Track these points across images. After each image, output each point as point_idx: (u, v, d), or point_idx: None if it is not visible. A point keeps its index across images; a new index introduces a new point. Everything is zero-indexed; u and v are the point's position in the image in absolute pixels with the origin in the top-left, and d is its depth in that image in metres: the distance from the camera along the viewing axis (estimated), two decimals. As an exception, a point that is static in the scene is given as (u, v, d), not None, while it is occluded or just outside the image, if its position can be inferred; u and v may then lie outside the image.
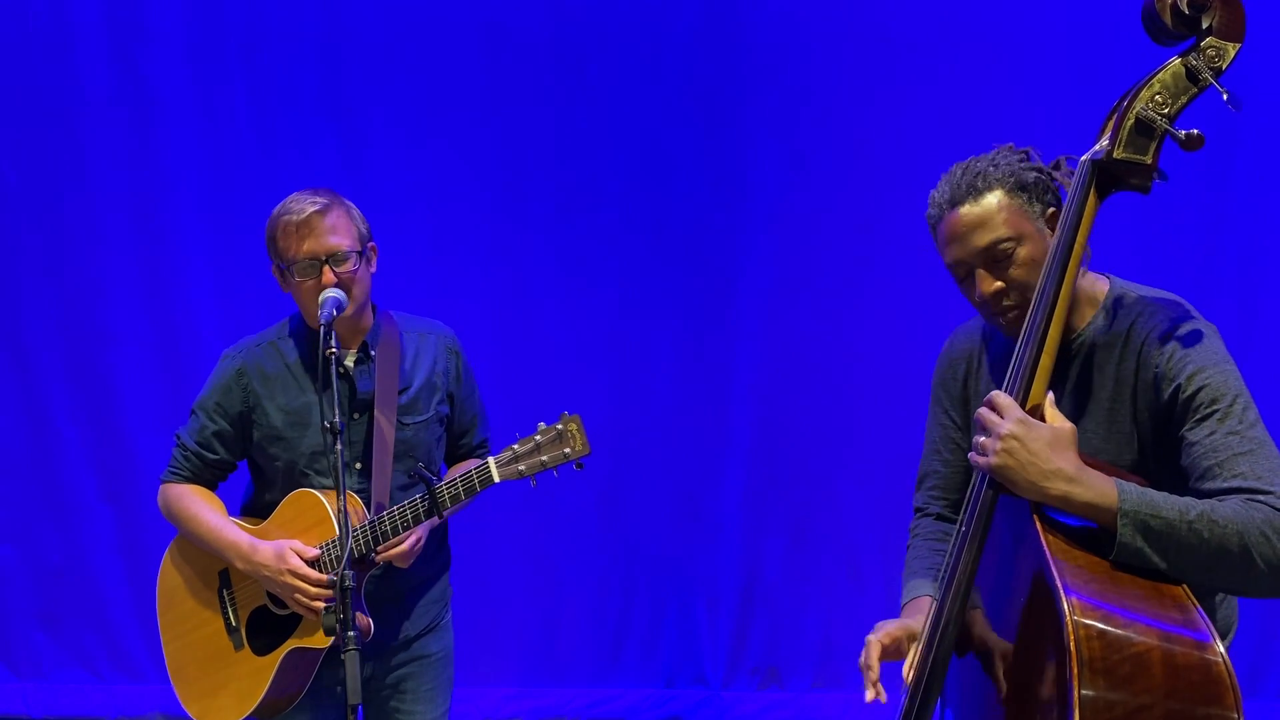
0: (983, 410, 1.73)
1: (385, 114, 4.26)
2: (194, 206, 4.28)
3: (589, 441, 2.49)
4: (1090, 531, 1.66)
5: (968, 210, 1.89)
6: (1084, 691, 1.48)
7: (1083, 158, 1.79)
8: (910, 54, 4.10)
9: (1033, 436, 1.66)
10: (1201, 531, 1.61)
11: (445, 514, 2.64)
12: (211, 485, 2.79)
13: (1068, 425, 1.70)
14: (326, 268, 2.53)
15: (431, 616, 2.84)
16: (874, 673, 1.91)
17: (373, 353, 2.68)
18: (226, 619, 2.73)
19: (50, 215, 4.30)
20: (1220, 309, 3.85)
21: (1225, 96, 1.70)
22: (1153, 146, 1.73)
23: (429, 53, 4.23)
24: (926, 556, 2.16)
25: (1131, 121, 1.73)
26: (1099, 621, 1.52)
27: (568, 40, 4.22)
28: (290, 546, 2.57)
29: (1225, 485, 1.69)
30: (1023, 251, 1.87)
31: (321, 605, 2.51)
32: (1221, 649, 1.53)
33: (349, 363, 2.66)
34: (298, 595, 2.55)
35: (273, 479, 2.72)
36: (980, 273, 1.90)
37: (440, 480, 2.56)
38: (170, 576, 2.83)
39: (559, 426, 2.50)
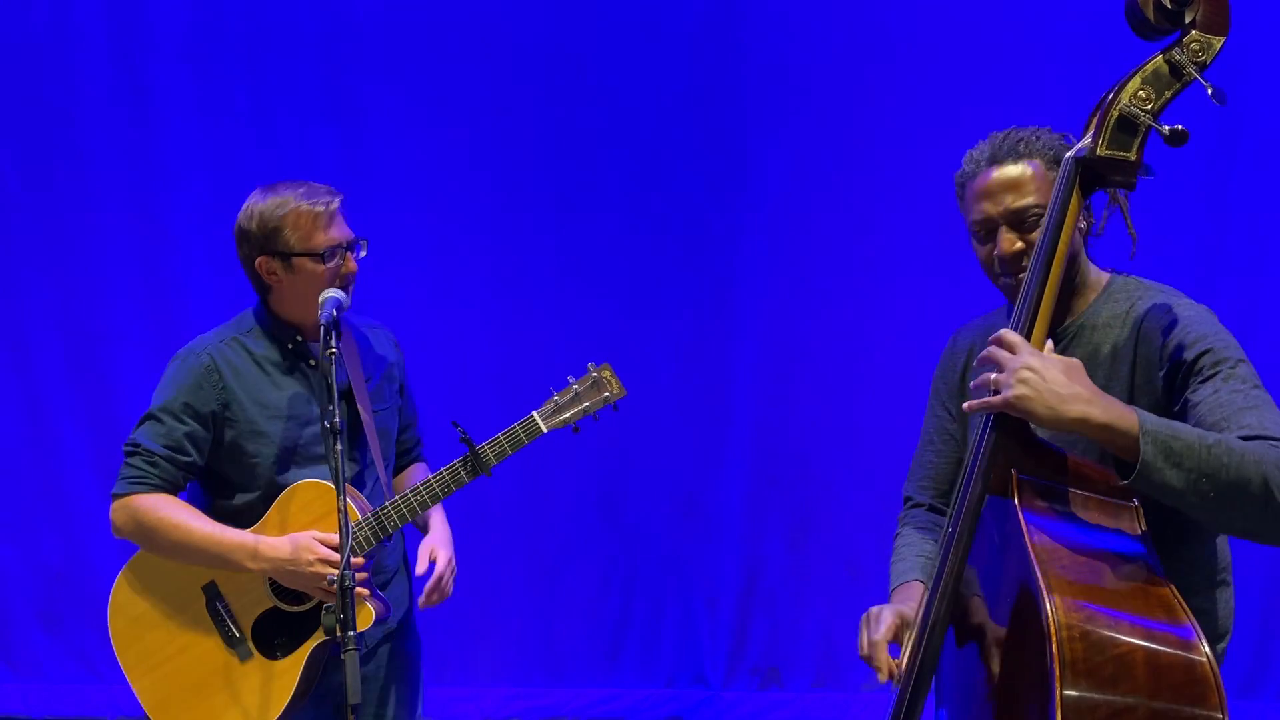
0: (992, 348, 1.71)
1: (385, 114, 4.26)
2: (194, 206, 4.28)
3: (623, 384, 2.66)
4: (1081, 523, 1.66)
5: (1007, 170, 1.92)
6: (1066, 692, 1.48)
7: (1066, 155, 1.79)
8: (910, 54, 4.10)
9: (1047, 365, 1.65)
10: (1221, 456, 1.59)
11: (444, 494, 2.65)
12: (177, 494, 2.64)
13: (1075, 359, 1.70)
14: (349, 255, 2.60)
15: (405, 605, 2.83)
16: (881, 657, 1.89)
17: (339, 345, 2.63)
18: (226, 633, 2.63)
19: (50, 215, 4.30)
20: (1221, 309, 3.85)
21: (1210, 91, 1.68)
22: (1136, 143, 1.72)
23: (429, 53, 4.24)
24: (916, 544, 2.16)
25: (1114, 118, 1.72)
26: (1082, 622, 1.52)
27: (567, 41, 4.22)
28: (311, 536, 2.52)
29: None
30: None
31: (356, 588, 2.46)
32: (1207, 649, 1.52)
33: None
34: (326, 584, 2.48)
35: (247, 480, 2.63)
36: (1005, 232, 1.92)
37: (477, 443, 2.61)
38: (129, 608, 2.66)
39: (593, 375, 2.65)
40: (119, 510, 2.61)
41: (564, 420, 2.63)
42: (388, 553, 2.75)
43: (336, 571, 2.41)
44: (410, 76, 4.25)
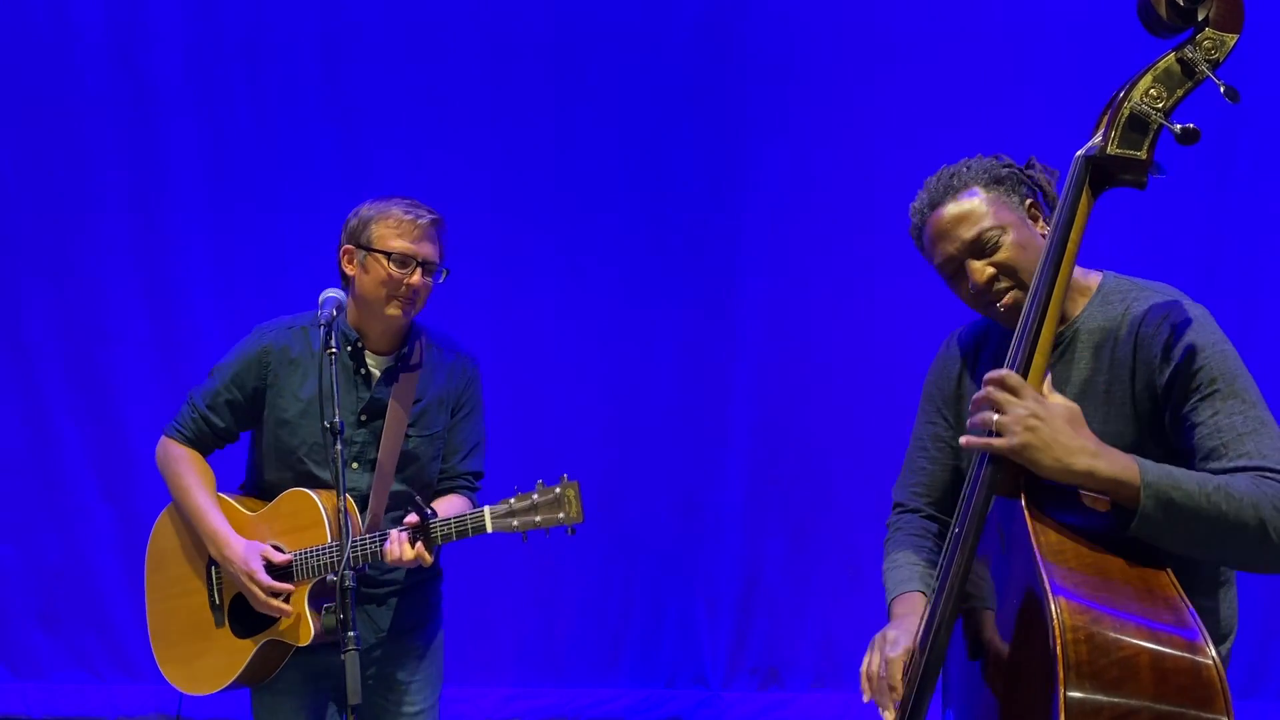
0: (993, 390, 1.69)
1: (385, 114, 4.26)
2: (194, 206, 4.28)
3: (584, 510, 2.55)
4: (1090, 525, 1.65)
5: (950, 208, 1.97)
6: (1070, 694, 1.47)
7: (1077, 154, 1.77)
8: (910, 54, 4.10)
9: (1053, 414, 1.65)
10: (1220, 504, 1.61)
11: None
12: (208, 451, 2.84)
13: (1075, 404, 1.70)
14: (419, 271, 2.66)
15: (415, 619, 2.86)
16: (896, 675, 1.85)
17: (400, 363, 2.75)
18: (211, 594, 2.78)
19: (50, 215, 4.30)
20: (1221, 309, 3.87)
21: (1222, 89, 1.67)
22: (1147, 141, 1.70)
23: (429, 53, 4.24)
24: (911, 550, 2.15)
25: (1125, 116, 1.71)
26: (1088, 624, 1.51)
27: (568, 41, 4.22)
28: (261, 551, 2.65)
29: (1232, 465, 1.69)
30: (1007, 238, 1.93)
31: (277, 610, 2.61)
32: (1213, 652, 1.51)
33: (375, 368, 2.74)
34: (254, 589, 2.62)
35: (275, 461, 2.76)
36: (970, 263, 1.96)
37: (435, 516, 2.59)
38: (163, 539, 2.87)
39: (557, 490, 2.56)
40: (159, 445, 2.85)
41: (513, 526, 2.55)
42: (388, 569, 2.78)
43: (258, 591, 2.61)
44: (410, 76, 4.25)
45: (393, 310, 2.66)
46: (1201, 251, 4.02)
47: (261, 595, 2.61)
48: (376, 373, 2.73)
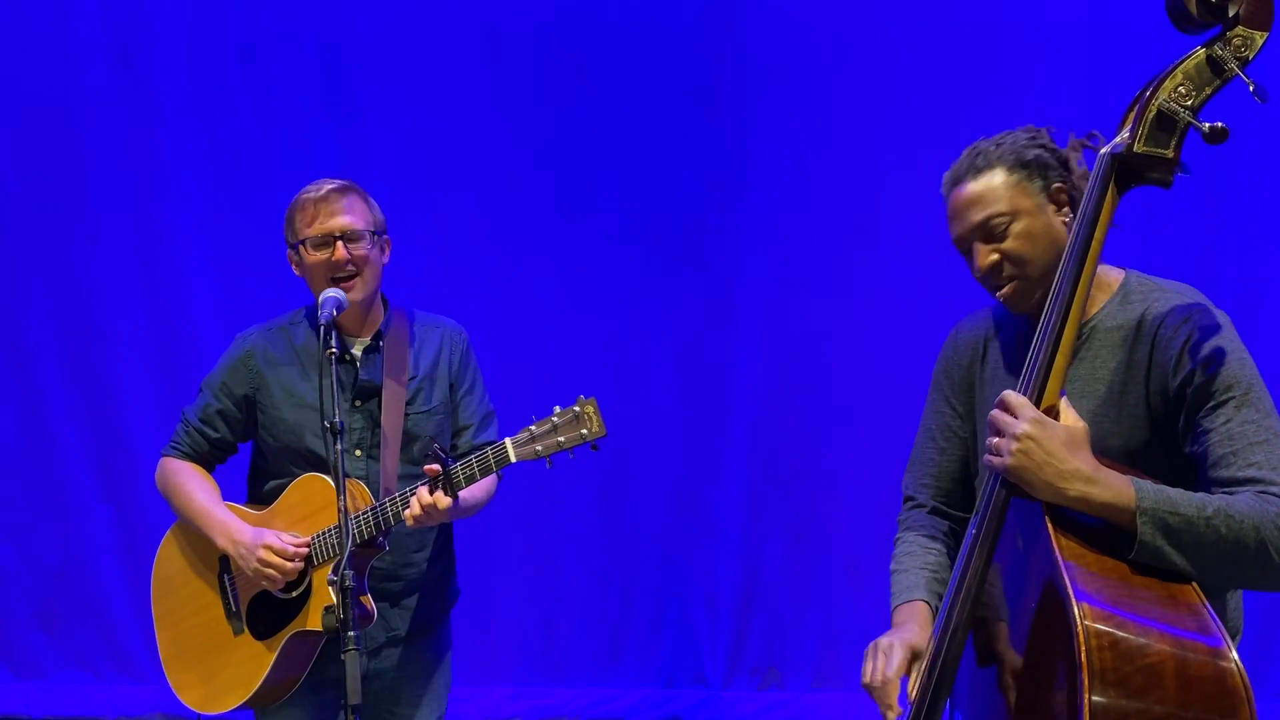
0: (995, 412, 1.70)
1: (385, 114, 4.26)
2: (194, 206, 4.28)
3: (605, 423, 2.50)
4: (1106, 532, 1.65)
5: (967, 188, 1.92)
6: (1095, 699, 1.47)
7: (1102, 151, 1.75)
8: (910, 54, 4.11)
9: (1048, 436, 1.64)
10: (1219, 527, 1.60)
11: (457, 510, 2.60)
12: (209, 465, 2.83)
13: (1081, 425, 1.68)
14: (340, 244, 2.61)
15: (428, 616, 2.83)
16: (893, 694, 1.87)
17: (382, 343, 2.72)
18: (227, 604, 2.74)
19: (50, 216, 4.30)
20: (1221, 307, 3.87)
21: (1252, 88, 1.64)
22: (1174, 140, 1.68)
23: (429, 53, 4.24)
24: (919, 553, 2.14)
25: (1153, 114, 1.68)
26: (1111, 630, 1.50)
27: (568, 41, 4.22)
28: (275, 534, 2.61)
29: (1240, 474, 1.68)
30: (1017, 226, 1.89)
31: (293, 567, 2.57)
32: (1235, 656, 1.51)
33: (356, 351, 2.71)
34: (270, 572, 2.57)
35: (276, 463, 2.74)
36: (977, 246, 1.92)
37: (455, 462, 2.54)
38: (167, 564, 2.85)
39: (575, 409, 2.51)
40: (158, 468, 2.83)
41: (537, 452, 2.48)
42: (404, 562, 2.76)
43: (276, 574, 2.57)
44: (410, 76, 4.25)
45: (338, 293, 2.57)
46: (1201, 251, 4.02)
47: (278, 559, 2.56)
48: (359, 354, 2.71)
